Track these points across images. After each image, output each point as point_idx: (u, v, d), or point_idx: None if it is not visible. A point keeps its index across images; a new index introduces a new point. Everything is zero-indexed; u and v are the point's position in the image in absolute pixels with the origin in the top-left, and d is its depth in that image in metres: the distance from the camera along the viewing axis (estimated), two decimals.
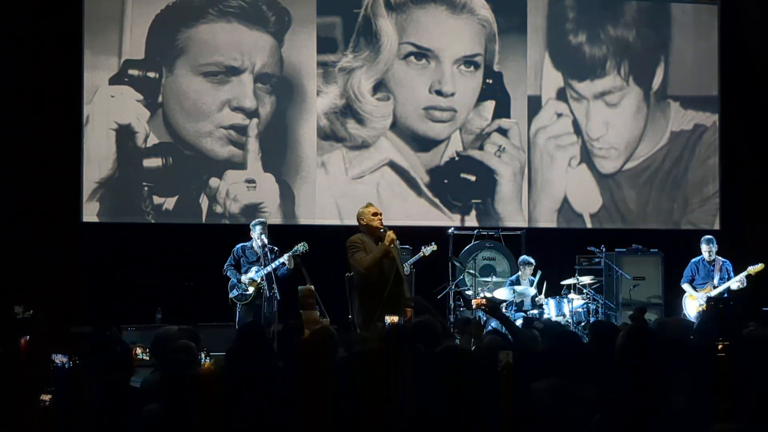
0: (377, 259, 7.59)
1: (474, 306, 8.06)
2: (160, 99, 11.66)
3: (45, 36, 11.20)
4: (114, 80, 11.55)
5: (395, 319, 5.41)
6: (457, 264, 11.44)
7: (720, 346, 3.52)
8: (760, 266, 10.41)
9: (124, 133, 11.56)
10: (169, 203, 11.67)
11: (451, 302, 11.10)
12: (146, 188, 11.61)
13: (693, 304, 10.69)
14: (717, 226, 12.97)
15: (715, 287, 10.59)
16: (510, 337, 5.57)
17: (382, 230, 7.72)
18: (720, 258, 10.78)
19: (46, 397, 4.34)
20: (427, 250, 10.75)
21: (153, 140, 11.62)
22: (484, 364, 4.25)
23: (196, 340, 5.33)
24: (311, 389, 3.86)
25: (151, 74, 11.65)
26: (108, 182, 11.51)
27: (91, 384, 3.98)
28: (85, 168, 11.45)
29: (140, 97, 11.60)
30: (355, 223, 11.95)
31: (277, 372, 4.24)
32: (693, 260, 10.89)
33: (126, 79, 11.58)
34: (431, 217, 12.38)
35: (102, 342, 4.73)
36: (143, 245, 11.33)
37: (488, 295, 10.68)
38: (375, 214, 7.82)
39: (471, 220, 12.50)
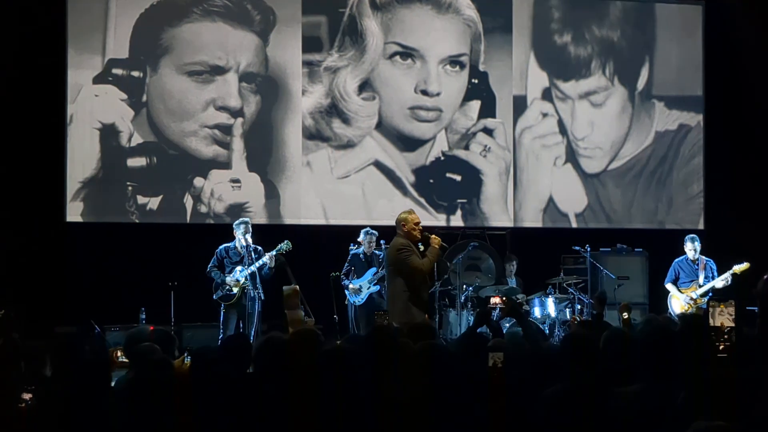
0: (434, 263, 8.00)
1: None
2: (144, 98, 11.62)
3: (28, 35, 11.13)
4: (98, 79, 11.50)
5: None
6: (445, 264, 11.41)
7: (721, 347, 3.51)
8: (745, 265, 10.42)
9: (108, 133, 11.51)
10: (154, 203, 11.63)
11: (436, 302, 11.07)
12: (130, 188, 11.57)
13: (678, 303, 10.70)
14: (701, 226, 13.01)
15: (700, 286, 10.61)
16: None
17: (420, 237, 8.00)
18: (704, 257, 10.80)
19: (27, 396, 4.32)
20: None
21: (137, 140, 11.57)
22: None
23: (169, 340, 5.31)
24: (294, 391, 3.84)
25: (136, 73, 11.61)
26: (92, 182, 11.46)
27: (69, 384, 3.95)
28: (68, 167, 11.40)
29: (124, 96, 11.56)
30: (339, 223, 12.10)
31: (255, 374, 4.23)
32: (677, 260, 10.91)
33: (110, 79, 11.53)
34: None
35: (79, 343, 4.70)
36: (127, 245, 11.28)
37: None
38: (417, 224, 8.05)
39: (457, 220, 12.50)
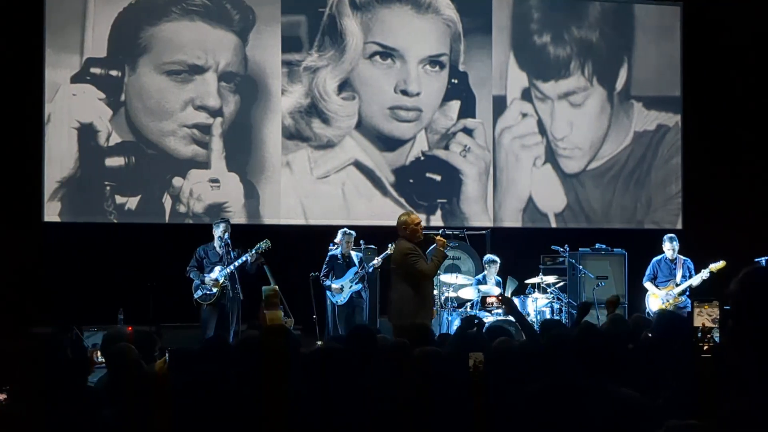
0: (440, 264, 8.06)
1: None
2: (122, 97, 11.56)
3: (6, 33, 11.07)
4: (76, 78, 11.43)
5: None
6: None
7: (705, 347, 3.51)
8: (721, 263, 10.50)
9: (86, 132, 11.44)
10: (132, 203, 11.57)
11: None
12: (108, 187, 11.51)
13: (656, 302, 10.76)
14: (680, 226, 13.08)
15: (677, 285, 10.67)
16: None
17: (423, 237, 8.13)
18: (681, 257, 10.86)
19: (1, 397, 4.28)
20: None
21: (115, 139, 11.52)
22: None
23: (150, 342, 5.28)
24: (269, 389, 3.82)
25: (114, 73, 11.55)
26: (70, 181, 11.40)
27: (45, 385, 3.92)
28: (46, 167, 11.33)
29: (102, 95, 11.50)
30: (319, 223, 12.08)
31: (233, 373, 4.21)
32: (655, 258, 10.97)
33: (88, 78, 11.47)
34: (396, 217, 12.30)
35: (56, 343, 4.66)
36: (105, 245, 11.22)
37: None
38: (417, 224, 8.14)
39: (436, 220, 12.50)
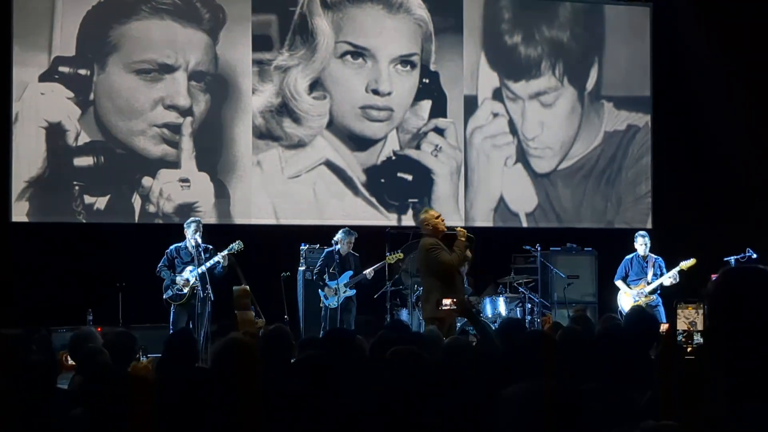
0: (462, 256, 8.16)
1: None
2: (91, 96, 11.45)
3: None
4: (44, 77, 11.31)
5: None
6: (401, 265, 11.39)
7: (689, 348, 3.52)
8: (691, 261, 10.59)
9: (55, 132, 11.32)
10: (101, 203, 11.47)
11: (388, 302, 11.06)
12: (77, 187, 11.40)
13: (627, 300, 10.81)
14: (650, 225, 13.14)
15: (648, 283, 10.73)
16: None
17: (443, 231, 8.26)
18: (652, 255, 10.92)
19: None
20: (392, 257, 10.68)
21: (84, 138, 11.40)
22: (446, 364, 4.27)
23: (128, 342, 5.22)
24: (243, 393, 3.79)
25: (83, 71, 11.43)
26: (38, 181, 11.27)
27: (13, 387, 3.87)
28: (14, 167, 11.19)
29: (71, 94, 11.38)
30: (290, 222, 12.03)
31: (207, 375, 4.17)
32: (627, 257, 11.03)
33: (56, 76, 11.35)
34: (368, 217, 12.35)
35: (25, 344, 4.60)
36: (74, 245, 11.11)
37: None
38: (437, 218, 8.31)
39: (408, 219, 12.48)
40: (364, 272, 10.54)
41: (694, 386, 3.04)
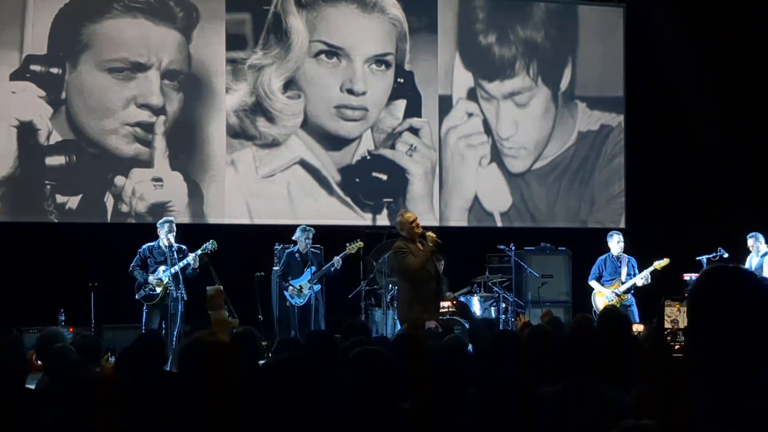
0: (425, 260, 8.22)
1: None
2: (63, 95, 11.36)
3: None
4: (15, 76, 11.20)
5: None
6: (374, 264, 11.37)
7: (677, 346, 3.53)
8: (665, 261, 10.63)
9: (26, 131, 11.22)
10: (73, 202, 11.37)
11: (362, 302, 11.05)
12: (49, 187, 11.30)
13: (602, 300, 10.85)
14: (623, 225, 13.20)
15: (622, 283, 10.77)
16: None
17: (420, 233, 8.31)
18: (625, 255, 10.97)
19: None
20: (353, 246, 10.65)
21: (56, 137, 11.30)
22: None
23: (93, 343, 5.18)
24: (216, 395, 3.75)
25: (54, 70, 11.33)
26: (9, 181, 11.16)
27: None
28: None
29: (43, 93, 11.28)
30: (264, 222, 11.98)
31: (175, 377, 4.14)
32: (600, 257, 11.06)
33: (28, 75, 11.24)
34: (343, 216, 12.33)
35: None
36: (46, 245, 11.03)
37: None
38: (413, 221, 8.35)
39: (383, 219, 12.48)
40: (328, 264, 10.46)
41: (681, 385, 3.05)
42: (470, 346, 5.70)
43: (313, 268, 10.48)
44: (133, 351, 4.59)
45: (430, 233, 8.37)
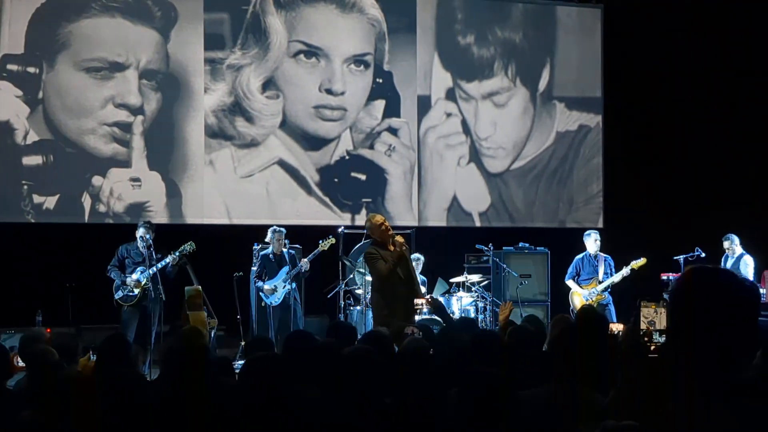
0: (390, 267, 8.13)
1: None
2: (40, 95, 11.29)
3: None
4: None
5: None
6: (347, 263, 11.39)
7: (653, 347, 3.54)
8: (642, 260, 10.68)
9: (3, 130, 11.15)
10: (50, 202, 11.31)
11: (341, 301, 11.05)
12: (26, 187, 11.23)
13: (579, 299, 10.90)
14: (601, 224, 13.27)
15: (600, 282, 10.82)
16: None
17: (391, 235, 8.24)
18: (602, 254, 11.03)
19: None
20: (326, 244, 10.64)
21: (33, 137, 11.24)
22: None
23: (71, 342, 5.16)
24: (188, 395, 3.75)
25: (31, 69, 11.26)
26: None
27: None
28: None
29: (19, 92, 11.21)
30: (243, 222, 11.96)
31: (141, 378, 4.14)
32: (578, 257, 11.12)
33: (4, 75, 11.17)
34: (321, 216, 12.32)
35: None
36: (23, 245, 10.96)
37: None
38: (382, 223, 8.28)
39: (361, 219, 12.45)
40: (298, 266, 10.45)
41: (658, 385, 3.07)
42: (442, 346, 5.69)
43: (287, 268, 10.46)
44: (100, 352, 4.59)
45: (398, 237, 8.29)
